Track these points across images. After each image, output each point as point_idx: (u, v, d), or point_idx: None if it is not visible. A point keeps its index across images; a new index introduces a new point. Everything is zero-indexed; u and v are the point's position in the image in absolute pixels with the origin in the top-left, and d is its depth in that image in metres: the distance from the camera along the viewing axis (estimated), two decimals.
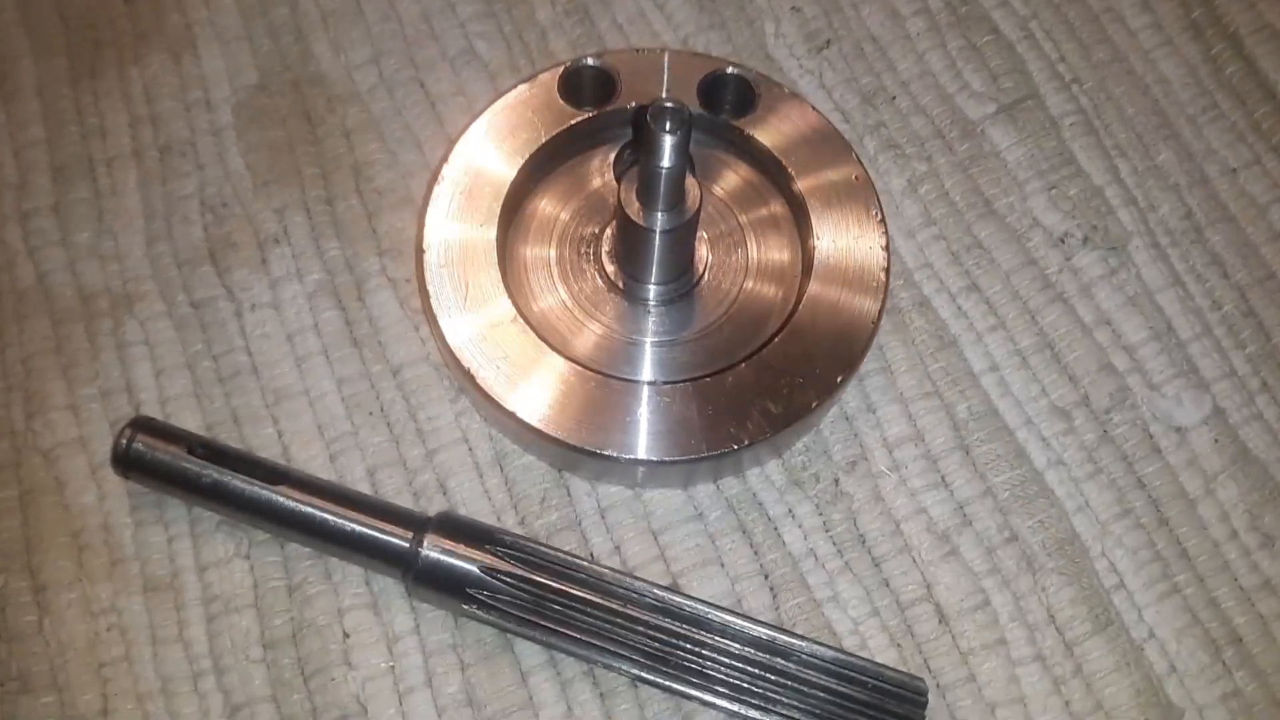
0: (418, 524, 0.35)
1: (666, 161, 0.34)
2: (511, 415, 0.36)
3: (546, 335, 0.37)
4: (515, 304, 0.38)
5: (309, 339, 0.40)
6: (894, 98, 0.44)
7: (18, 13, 0.46)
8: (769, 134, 0.40)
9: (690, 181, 0.36)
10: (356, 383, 0.40)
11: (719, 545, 0.38)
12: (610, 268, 0.39)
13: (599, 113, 0.41)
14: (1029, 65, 0.45)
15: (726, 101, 0.41)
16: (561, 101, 0.41)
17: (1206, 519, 0.38)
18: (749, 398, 0.36)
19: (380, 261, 0.41)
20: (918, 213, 0.42)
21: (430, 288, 0.38)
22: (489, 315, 0.37)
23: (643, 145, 0.34)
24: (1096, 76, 0.45)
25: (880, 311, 0.37)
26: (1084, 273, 0.41)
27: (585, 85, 0.41)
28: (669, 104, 0.33)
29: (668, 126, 0.33)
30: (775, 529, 0.38)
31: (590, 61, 0.41)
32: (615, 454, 0.35)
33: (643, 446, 0.36)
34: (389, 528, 0.35)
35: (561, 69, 0.41)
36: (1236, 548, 0.38)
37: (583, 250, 0.40)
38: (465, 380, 0.37)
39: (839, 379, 0.37)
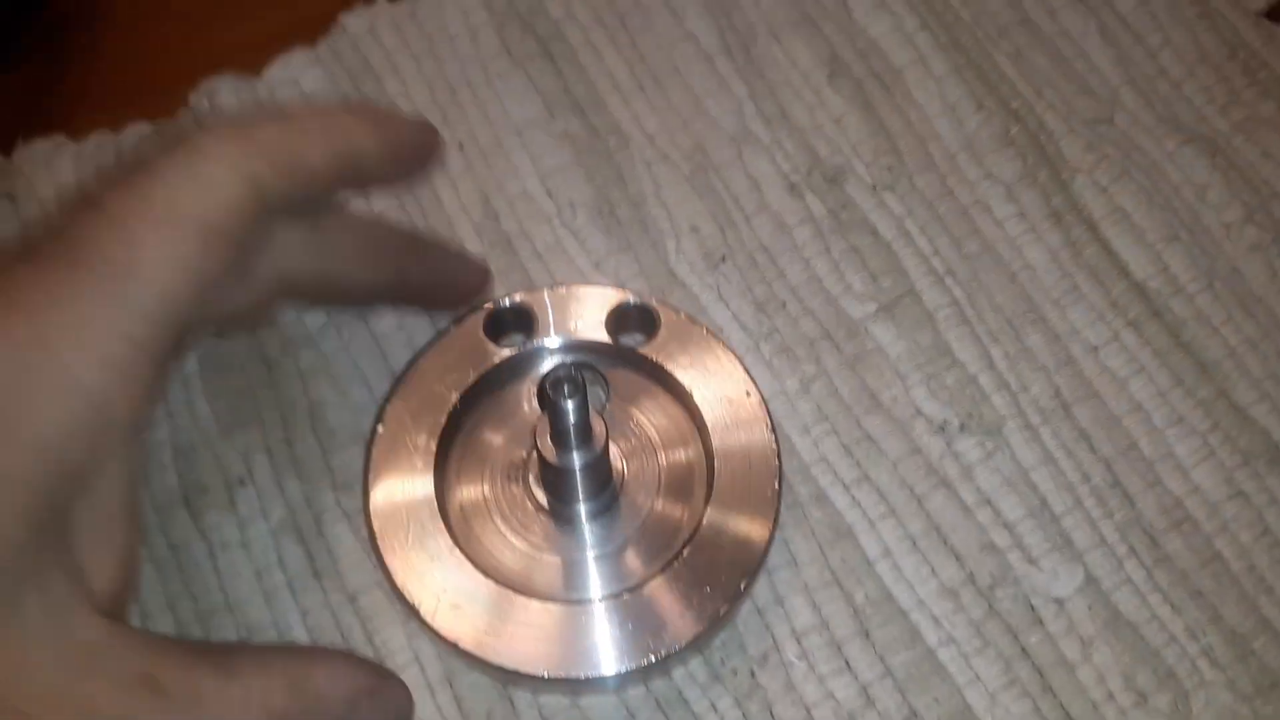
0: None
1: (571, 420, 0.39)
2: (454, 644, 0.40)
3: (481, 562, 0.42)
4: (453, 536, 0.43)
5: (275, 575, 0.45)
6: (784, 304, 0.49)
7: None
8: (669, 356, 0.45)
9: (596, 422, 0.41)
10: (319, 613, 0.44)
11: None
12: (536, 491, 0.44)
13: (520, 351, 0.46)
14: (905, 263, 0.50)
15: (632, 328, 0.46)
16: (487, 340, 0.46)
17: (1085, 682, 0.43)
18: (666, 609, 0.41)
19: (335, 496, 0.46)
20: (811, 410, 0.47)
21: (376, 527, 0.43)
22: (429, 550, 0.42)
23: (547, 406, 0.39)
24: (968, 268, 0.50)
25: (774, 523, 0.42)
26: (963, 457, 0.46)
27: (508, 323, 0.47)
28: (562, 373, 0.39)
29: (565, 392, 0.39)
30: None
31: (507, 302, 0.46)
32: (547, 674, 0.40)
33: (573, 665, 0.40)
34: None
35: (486, 310, 0.46)
36: (1114, 708, 0.42)
37: (513, 475, 0.45)
38: (411, 612, 0.41)
39: (742, 585, 0.41)
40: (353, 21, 0.56)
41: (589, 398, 0.39)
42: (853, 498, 0.45)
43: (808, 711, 0.42)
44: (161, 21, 0.59)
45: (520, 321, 0.47)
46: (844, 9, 0.55)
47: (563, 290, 0.47)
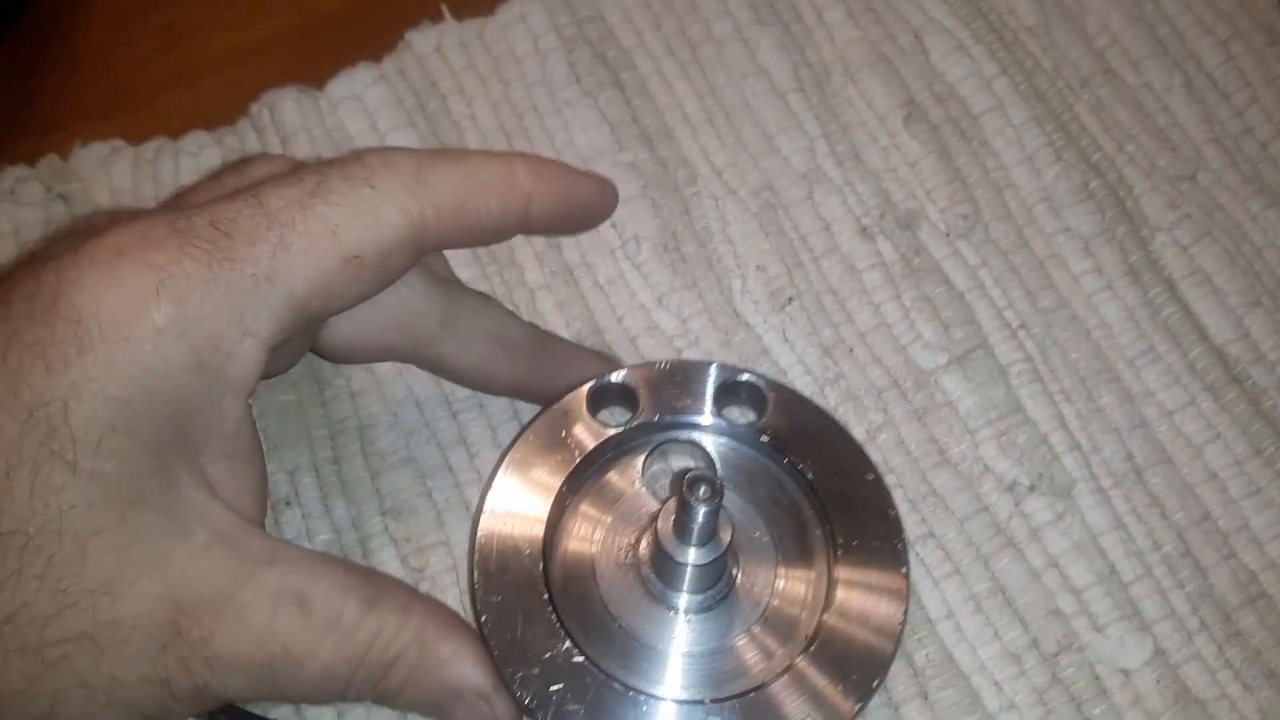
0: None
1: (700, 520, 0.37)
2: None
3: (583, 643, 0.39)
4: (555, 610, 0.39)
5: None
6: (852, 350, 0.48)
7: None
8: (781, 435, 0.43)
9: (724, 528, 0.39)
10: None
11: None
12: (648, 575, 0.41)
13: (625, 429, 0.43)
14: (978, 315, 0.48)
15: (740, 403, 0.45)
16: (589, 416, 0.43)
17: None
18: (794, 710, 0.38)
19: (383, 521, 0.45)
20: (876, 461, 0.45)
21: (478, 584, 0.40)
22: (533, 623, 0.39)
23: (679, 501, 0.37)
24: (1042, 323, 0.48)
25: (905, 612, 0.40)
26: (1032, 518, 0.45)
27: (611, 396, 0.44)
28: (704, 474, 0.37)
29: (700, 494, 0.37)
30: None
31: (613, 379, 0.44)
32: None
33: None
34: None
35: (587, 388, 0.44)
36: None
37: (623, 555, 0.42)
38: (528, 716, 0.38)
39: (874, 683, 0.39)
40: (418, 39, 0.55)
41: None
42: (917, 554, 0.44)
43: None
44: (142, 30, 0.58)
45: (624, 398, 0.44)
46: (922, 51, 0.54)
47: (667, 365, 0.44)
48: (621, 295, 0.49)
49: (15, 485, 0.30)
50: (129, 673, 0.32)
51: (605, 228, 0.50)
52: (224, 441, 0.34)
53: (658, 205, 0.51)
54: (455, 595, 0.44)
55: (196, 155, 0.53)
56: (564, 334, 0.48)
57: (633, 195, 0.51)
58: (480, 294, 0.43)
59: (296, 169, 0.38)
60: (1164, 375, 0.47)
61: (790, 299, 0.49)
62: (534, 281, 0.50)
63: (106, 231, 0.33)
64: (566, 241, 0.50)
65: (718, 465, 0.44)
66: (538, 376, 0.43)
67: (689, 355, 0.48)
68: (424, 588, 0.44)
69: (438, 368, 0.43)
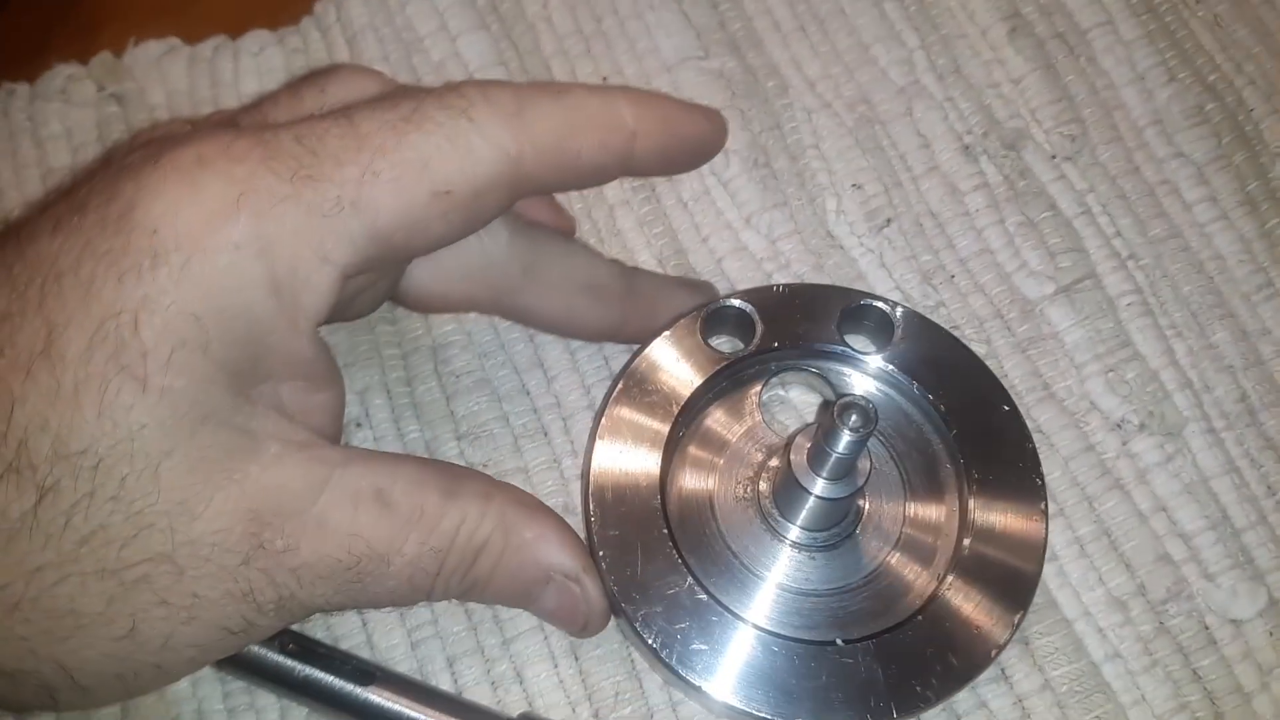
0: None
1: (843, 450, 0.35)
2: (698, 688, 0.36)
3: (721, 596, 0.38)
4: (671, 532, 0.38)
5: None
6: (953, 276, 0.45)
7: None
8: (910, 363, 0.41)
9: (863, 460, 0.36)
10: None
11: None
12: (769, 508, 0.39)
13: (741, 356, 0.41)
14: (1086, 243, 0.46)
15: (865, 331, 0.42)
16: (704, 343, 0.41)
17: (1262, 714, 0.39)
18: (931, 653, 0.36)
19: (459, 445, 0.43)
20: None
21: (593, 509, 0.38)
22: (661, 586, 0.37)
23: (823, 426, 0.35)
24: (1153, 253, 0.46)
25: (1045, 546, 0.38)
26: (1140, 458, 0.43)
27: (724, 325, 0.42)
28: (859, 400, 0.34)
29: (852, 422, 0.34)
30: None
31: (730, 303, 0.42)
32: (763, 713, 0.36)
33: (833, 710, 0.35)
34: None
35: (702, 312, 0.41)
36: None
37: (743, 486, 0.40)
38: (618, 609, 0.37)
39: (1016, 619, 0.37)
40: None
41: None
42: None
43: (959, 717, 0.39)
44: None
45: (739, 324, 0.42)
46: None
47: (783, 289, 0.42)
48: (707, 213, 0.47)
49: (84, 403, 0.29)
50: (212, 589, 0.31)
51: None
52: (298, 365, 0.33)
53: (746, 117, 0.48)
54: None
55: (257, 55, 0.50)
56: (644, 254, 0.46)
57: (720, 106, 0.48)
58: (564, 237, 0.41)
59: (391, 92, 0.35)
60: None
61: (888, 220, 0.46)
62: (613, 197, 0.47)
63: (188, 140, 0.31)
64: None
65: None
66: (628, 319, 0.41)
67: (779, 279, 0.45)
68: None
69: (523, 317, 0.41)
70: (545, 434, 0.43)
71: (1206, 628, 0.40)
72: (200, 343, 0.30)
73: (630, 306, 0.41)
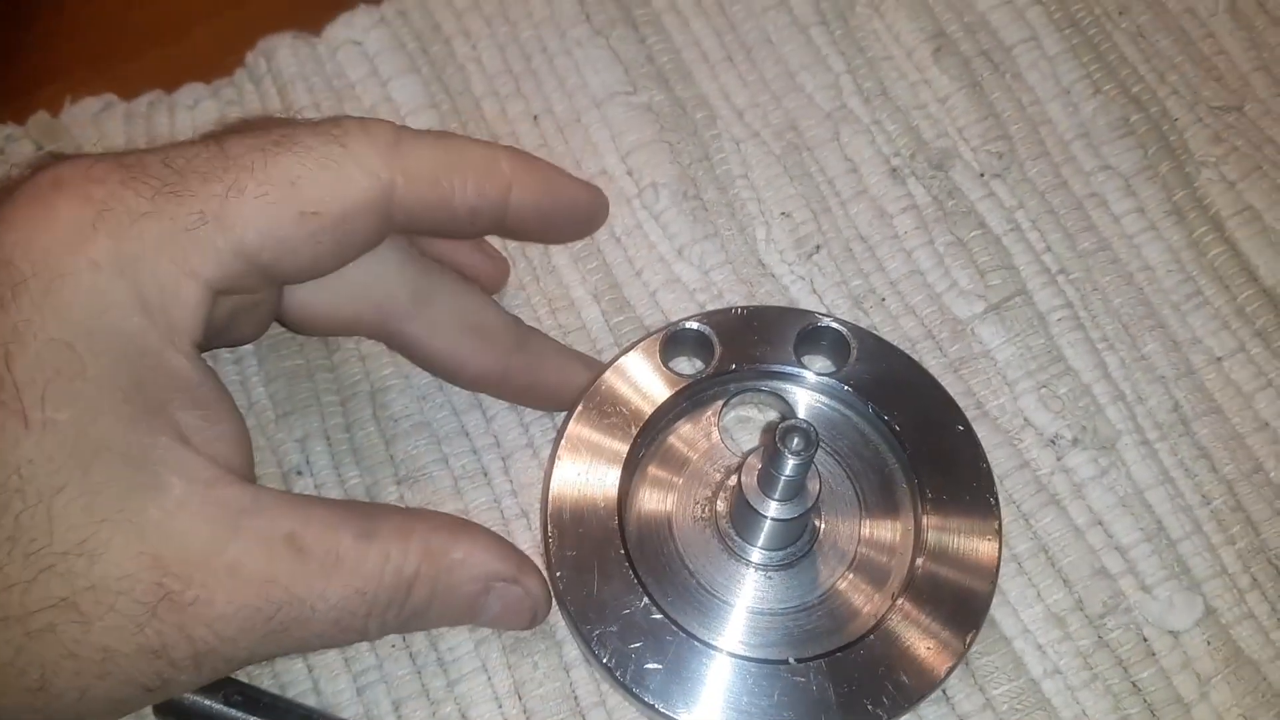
0: None
1: (789, 473, 0.36)
2: (651, 706, 0.37)
3: (676, 615, 0.38)
4: (629, 558, 0.38)
5: None
6: (884, 299, 0.46)
7: None
8: (866, 384, 0.42)
9: (811, 480, 0.37)
10: None
11: None
12: (726, 529, 0.40)
13: (700, 378, 0.42)
14: (1016, 260, 0.46)
15: (821, 352, 0.43)
16: (664, 366, 0.42)
17: None
18: (882, 671, 0.37)
19: (399, 490, 0.43)
20: None
21: (551, 534, 0.39)
22: (617, 606, 0.38)
23: (767, 450, 0.36)
24: (1082, 266, 0.46)
25: (997, 566, 0.39)
26: (1075, 473, 0.43)
27: (683, 346, 0.43)
28: (800, 424, 0.35)
29: (793, 446, 0.35)
30: None
31: (689, 325, 0.42)
32: None
33: None
34: None
35: (662, 334, 0.42)
36: None
37: (700, 509, 0.41)
38: (579, 635, 0.38)
39: (968, 638, 0.38)
40: None
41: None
42: None
43: None
44: None
45: (699, 346, 0.43)
46: None
47: (743, 311, 0.43)
48: (640, 247, 0.47)
49: None
50: (122, 643, 0.30)
51: (621, 174, 0.48)
52: (186, 389, 0.32)
53: (676, 150, 0.48)
54: None
55: (193, 109, 0.50)
56: (579, 289, 0.46)
57: (649, 139, 0.48)
58: (460, 278, 0.41)
59: (265, 120, 0.36)
60: (1211, 319, 0.45)
61: (818, 247, 0.46)
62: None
63: (48, 168, 0.31)
64: None
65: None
66: (512, 373, 0.41)
67: (712, 309, 0.45)
68: None
69: (406, 348, 0.41)
70: (485, 474, 0.44)
71: (1145, 640, 0.41)
72: (77, 371, 0.29)
73: (517, 360, 0.40)
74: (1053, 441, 0.43)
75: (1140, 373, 0.44)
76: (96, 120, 0.50)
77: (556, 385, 0.41)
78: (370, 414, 0.45)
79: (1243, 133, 0.48)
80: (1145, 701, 0.40)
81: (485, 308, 0.40)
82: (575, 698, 0.40)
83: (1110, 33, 0.50)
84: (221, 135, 0.33)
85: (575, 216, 0.38)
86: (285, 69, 0.50)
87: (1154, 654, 0.40)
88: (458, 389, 0.44)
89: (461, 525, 0.37)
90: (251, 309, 0.35)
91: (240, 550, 0.31)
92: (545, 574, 0.39)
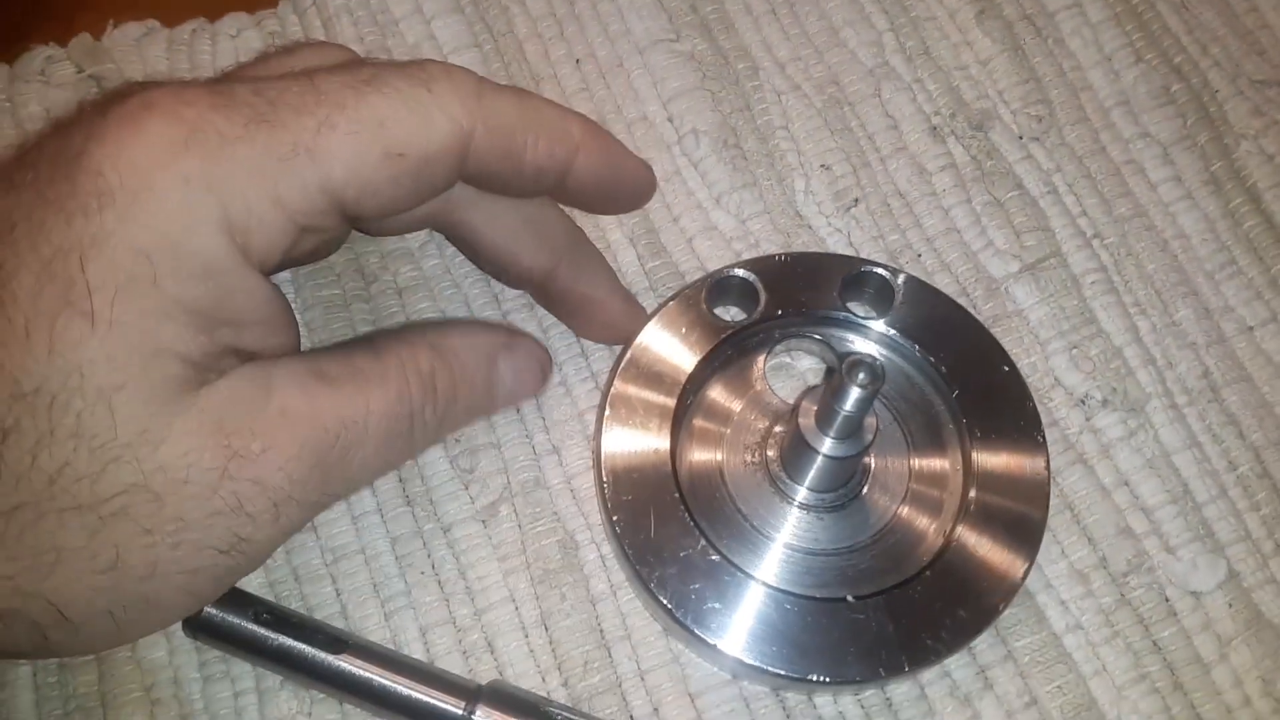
0: (469, 694, 0.38)
1: (851, 409, 0.36)
2: (713, 646, 0.37)
3: (728, 552, 0.39)
4: (684, 502, 0.39)
5: (364, 498, 0.43)
6: (919, 255, 0.46)
7: None
8: (911, 328, 0.42)
9: (870, 418, 0.37)
10: (409, 541, 0.42)
11: (752, 709, 0.40)
12: (777, 472, 0.40)
13: (746, 325, 0.42)
14: (1052, 222, 0.46)
15: (865, 298, 0.43)
16: (710, 312, 0.42)
17: (1220, 685, 0.40)
18: (940, 606, 0.38)
19: None
20: None
21: (607, 481, 0.39)
22: (674, 549, 0.38)
23: (832, 385, 0.36)
24: (1118, 232, 0.46)
25: (1046, 506, 0.39)
26: (1103, 434, 0.43)
27: (731, 291, 0.43)
28: (866, 359, 0.35)
29: (860, 379, 0.35)
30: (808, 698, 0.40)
31: (735, 273, 0.43)
32: (820, 677, 0.37)
33: (846, 665, 0.37)
34: (442, 697, 0.38)
35: (708, 281, 0.42)
36: (1249, 714, 0.40)
37: (751, 451, 0.41)
38: (664, 615, 0.38)
39: (1025, 568, 0.38)
40: None
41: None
42: None
43: (921, 689, 0.40)
44: None
45: (743, 294, 0.43)
46: None
47: (786, 258, 0.43)
48: (678, 193, 0.47)
49: (34, 341, 0.29)
50: (196, 510, 0.31)
51: (661, 120, 0.48)
52: (253, 307, 0.33)
53: (717, 99, 0.48)
54: (505, 497, 0.42)
55: (235, 38, 0.51)
56: (616, 232, 0.46)
57: (691, 87, 0.49)
58: None
59: (353, 60, 0.36)
60: (1244, 289, 0.46)
61: (856, 200, 0.47)
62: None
63: (139, 90, 0.31)
64: (620, 134, 0.48)
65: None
66: (559, 276, 0.41)
67: (748, 258, 0.46)
68: (473, 489, 0.42)
69: (464, 238, 0.41)
70: (518, 410, 0.44)
71: (1167, 600, 0.41)
72: (150, 278, 0.30)
73: (567, 266, 0.41)
74: (1082, 401, 0.43)
75: (1171, 338, 0.45)
76: (139, 45, 0.50)
77: (597, 305, 0.42)
78: None
79: None
80: (1165, 660, 0.40)
81: (547, 206, 0.40)
82: (601, 630, 0.41)
83: (1154, 2, 0.50)
84: (313, 71, 0.33)
85: (629, 190, 0.39)
86: (331, 2, 0.50)
87: (1175, 614, 0.41)
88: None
89: (449, 321, 0.40)
90: (321, 241, 0.36)
91: (282, 394, 0.32)
92: (603, 519, 0.40)
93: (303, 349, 0.43)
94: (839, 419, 0.36)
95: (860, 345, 0.42)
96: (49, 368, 0.29)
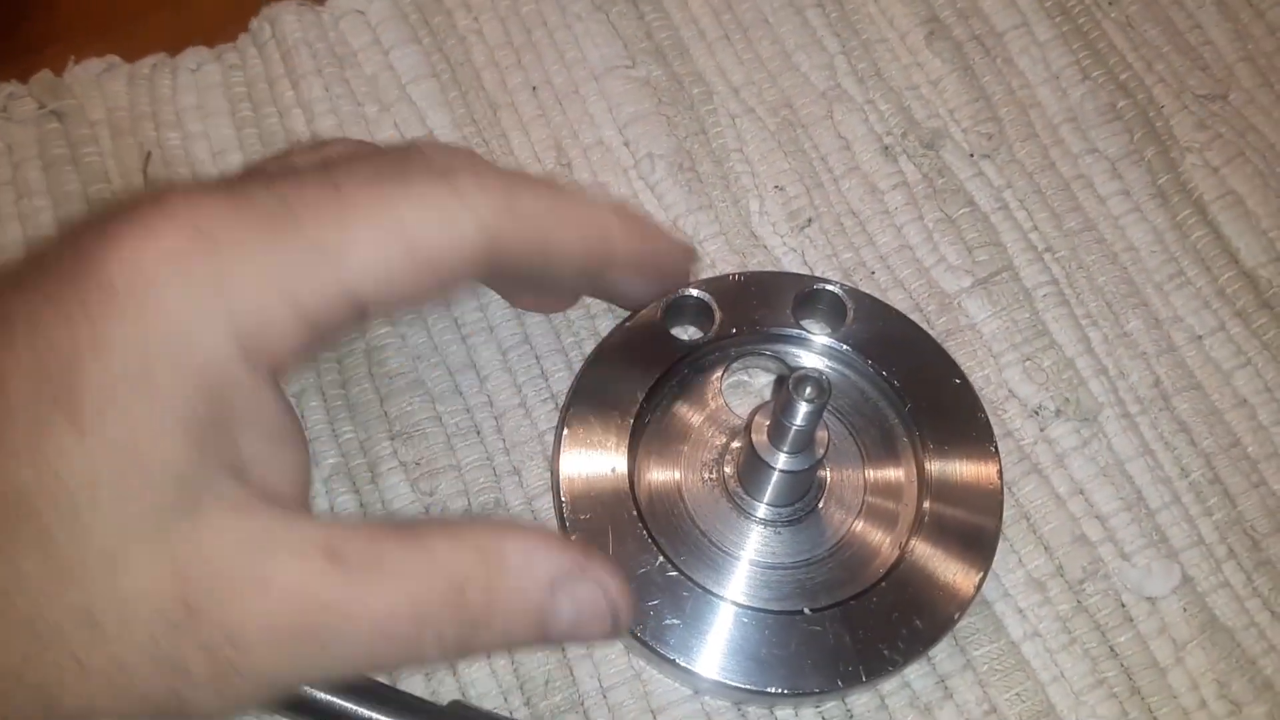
0: (432, 715, 0.38)
1: (800, 423, 0.36)
2: (673, 662, 0.38)
3: (691, 572, 0.39)
4: (657, 545, 0.39)
5: None
6: (873, 272, 0.46)
7: None
8: (863, 343, 0.43)
9: (821, 431, 0.38)
10: None
11: None
12: (734, 487, 0.41)
13: (702, 343, 0.43)
14: (1003, 237, 0.47)
15: (818, 315, 0.44)
16: (668, 330, 0.43)
17: (1177, 688, 0.40)
18: (896, 616, 0.38)
19: (392, 445, 0.44)
20: None
21: (565, 501, 0.40)
22: (632, 566, 0.39)
23: (780, 400, 0.36)
24: (1068, 245, 0.47)
25: (1000, 516, 0.40)
26: (1057, 444, 0.44)
27: (687, 311, 0.44)
28: (812, 373, 0.36)
29: (806, 394, 0.35)
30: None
31: (689, 293, 0.43)
32: (779, 689, 0.37)
33: (804, 677, 0.37)
34: (405, 719, 0.38)
35: (663, 302, 0.43)
36: (1205, 716, 0.40)
37: (708, 469, 0.42)
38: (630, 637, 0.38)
39: (979, 578, 0.39)
40: None
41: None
42: None
43: (882, 700, 0.40)
44: None
45: (699, 313, 0.43)
46: None
47: (741, 277, 0.44)
48: None
49: (17, 442, 0.28)
50: (136, 656, 0.28)
51: (618, 145, 0.49)
52: (259, 421, 0.30)
53: (672, 123, 0.49)
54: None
55: (195, 72, 0.51)
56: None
57: (646, 112, 0.49)
58: None
59: (372, 153, 0.35)
60: (1193, 299, 0.46)
61: (809, 220, 0.47)
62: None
63: (155, 194, 0.30)
64: (577, 160, 0.49)
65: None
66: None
67: (704, 277, 0.46)
68: (434, 511, 0.43)
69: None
70: (478, 432, 0.44)
71: (1123, 605, 0.41)
72: (145, 386, 0.28)
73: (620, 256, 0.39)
74: (1036, 412, 0.44)
75: (1123, 348, 0.45)
76: (99, 81, 0.51)
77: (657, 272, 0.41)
78: (366, 371, 0.45)
79: (1226, 120, 0.49)
80: (1122, 665, 0.41)
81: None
82: (562, 649, 0.41)
83: (1100, 21, 0.51)
84: (332, 166, 0.32)
85: (664, 280, 0.40)
86: (289, 35, 0.51)
87: (1131, 619, 0.41)
88: (453, 348, 0.45)
89: (514, 524, 0.36)
90: (334, 338, 0.34)
91: (271, 561, 0.29)
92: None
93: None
94: (790, 433, 0.37)
95: (814, 361, 0.43)
96: (28, 471, 0.28)
